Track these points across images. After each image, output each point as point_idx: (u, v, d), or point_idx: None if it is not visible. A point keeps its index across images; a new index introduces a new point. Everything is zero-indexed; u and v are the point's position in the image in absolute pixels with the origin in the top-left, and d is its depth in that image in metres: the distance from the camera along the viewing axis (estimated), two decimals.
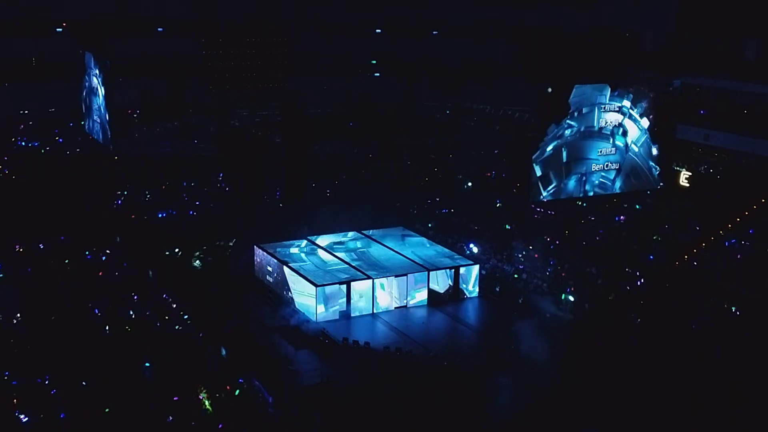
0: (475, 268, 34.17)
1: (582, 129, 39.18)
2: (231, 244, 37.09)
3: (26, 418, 23.12)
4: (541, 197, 38.83)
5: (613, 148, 39.78)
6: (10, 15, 49.67)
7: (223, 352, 27.82)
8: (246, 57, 50.02)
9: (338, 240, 36.88)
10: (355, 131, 53.42)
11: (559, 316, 31.29)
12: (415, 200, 43.64)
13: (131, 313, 30.00)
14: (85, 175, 45.06)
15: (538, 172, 38.47)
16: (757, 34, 46.02)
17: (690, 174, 43.85)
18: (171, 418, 23.34)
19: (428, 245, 36.48)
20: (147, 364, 25.85)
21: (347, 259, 34.45)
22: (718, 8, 47.35)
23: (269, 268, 34.44)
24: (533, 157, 38.19)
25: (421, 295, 33.32)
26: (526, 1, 57.08)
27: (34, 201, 40.56)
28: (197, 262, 36.04)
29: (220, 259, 36.27)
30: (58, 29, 50.40)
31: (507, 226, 39.75)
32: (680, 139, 42.64)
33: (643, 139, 40.43)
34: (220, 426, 23.32)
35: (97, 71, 45.07)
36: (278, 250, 34.99)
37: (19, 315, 29.45)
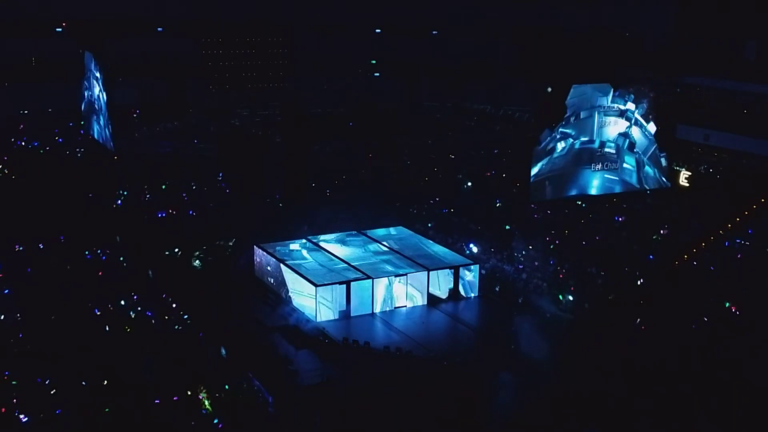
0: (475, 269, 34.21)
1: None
2: (231, 243, 37.09)
3: (26, 418, 23.12)
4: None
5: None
6: (10, 15, 49.64)
7: (223, 352, 27.83)
8: (246, 57, 50.03)
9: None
10: (355, 131, 53.43)
11: (559, 315, 31.30)
12: (415, 200, 43.63)
13: (131, 313, 30.00)
14: (85, 175, 45.06)
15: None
16: (757, 34, 46.05)
17: (690, 174, 43.86)
18: (171, 418, 23.34)
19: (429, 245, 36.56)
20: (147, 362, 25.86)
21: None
22: (718, 8, 47.36)
23: (269, 268, 34.45)
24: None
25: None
26: (526, 1, 57.09)
27: (34, 201, 40.55)
28: (197, 261, 36.03)
29: (220, 259, 36.27)
30: (57, 29, 50.38)
31: (507, 226, 39.73)
32: (680, 138, 42.64)
33: (652, 150, 39.66)
34: (220, 426, 23.33)
35: (97, 71, 45.05)
36: (278, 249, 35.00)
37: (18, 315, 29.44)
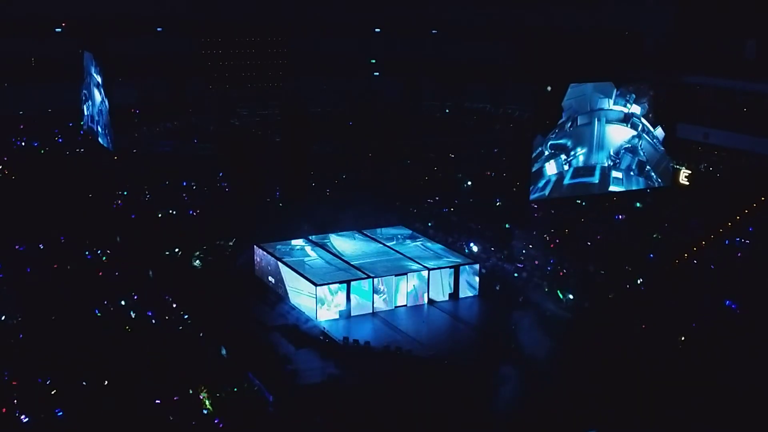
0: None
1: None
2: (231, 243, 37.09)
3: (27, 419, 23.12)
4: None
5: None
6: (9, 15, 49.67)
7: (224, 351, 27.82)
8: (246, 57, 50.05)
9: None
10: (355, 131, 53.43)
11: (559, 314, 31.29)
12: (415, 200, 43.63)
13: (132, 313, 30.00)
14: (85, 175, 45.06)
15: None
16: (757, 33, 46.06)
17: (690, 172, 43.87)
18: (171, 417, 23.34)
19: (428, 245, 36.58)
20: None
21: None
22: (718, 8, 47.36)
23: (269, 268, 34.44)
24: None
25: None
26: (526, 1, 57.08)
27: (34, 201, 40.54)
28: (197, 261, 36.03)
29: (220, 258, 36.27)
30: (57, 29, 50.41)
31: (507, 225, 39.72)
32: (680, 137, 42.65)
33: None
34: (221, 425, 23.33)
35: (97, 71, 45.06)
36: (278, 249, 35.00)
37: (19, 315, 29.43)
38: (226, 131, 51.84)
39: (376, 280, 32.39)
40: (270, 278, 34.40)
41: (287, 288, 33.06)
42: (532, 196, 37.80)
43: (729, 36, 47.18)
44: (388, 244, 36.30)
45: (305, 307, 31.81)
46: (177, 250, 36.41)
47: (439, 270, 33.54)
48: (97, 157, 47.22)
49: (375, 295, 32.29)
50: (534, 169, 37.02)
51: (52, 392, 24.36)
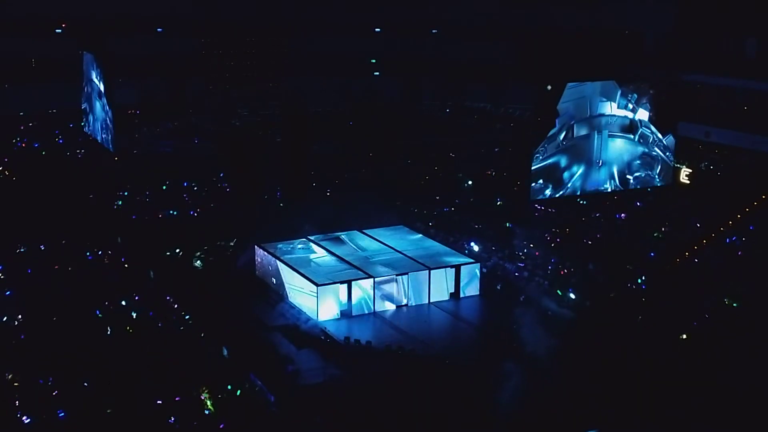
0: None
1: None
2: (232, 243, 37.10)
3: (28, 420, 23.14)
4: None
5: None
6: (9, 15, 49.70)
7: (225, 352, 27.84)
8: (246, 57, 50.07)
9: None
10: (355, 131, 53.43)
11: (560, 313, 31.30)
12: (415, 199, 43.64)
13: (133, 313, 30.01)
14: (86, 175, 45.07)
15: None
16: (758, 31, 46.06)
17: (691, 171, 43.87)
18: (173, 418, 23.36)
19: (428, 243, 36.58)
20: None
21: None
22: (718, 7, 47.38)
23: (270, 268, 34.45)
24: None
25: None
26: (526, 1, 57.10)
27: (35, 202, 40.56)
28: (198, 262, 36.05)
29: (221, 259, 36.29)
30: (57, 30, 50.41)
31: (508, 225, 39.73)
32: (681, 136, 42.64)
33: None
34: (222, 426, 23.34)
35: (98, 73, 45.06)
36: (279, 249, 35.01)
37: (20, 316, 29.45)
38: (226, 131, 51.85)
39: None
40: (271, 278, 34.41)
41: (288, 288, 33.07)
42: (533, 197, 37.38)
43: (729, 35, 47.19)
44: (388, 243, 36.30)
45: (306, 307, 31.82)
46: (178, 250, 36.42)
47: (439, 270, 33.56)
48: (97, 157, 47.22)
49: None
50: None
51: (54, 393, 24.37)
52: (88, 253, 35.32)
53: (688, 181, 43.60)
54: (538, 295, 32.60)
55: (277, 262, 33.93)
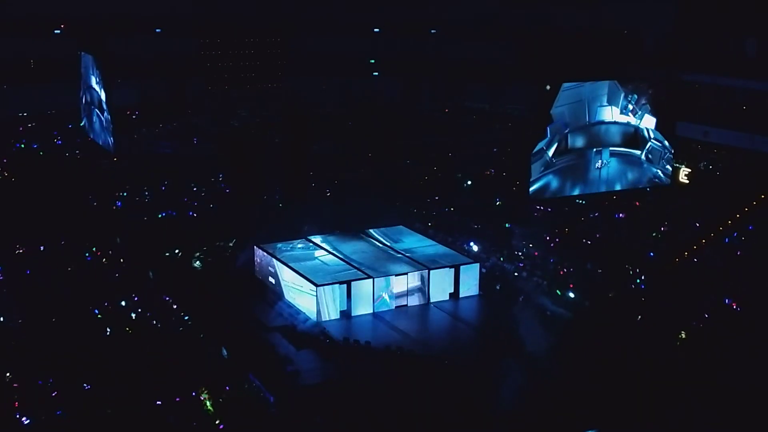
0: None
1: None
2: (231, 244, 37.11)
3: (27, 420, 23.13)
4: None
5: None
6: (9, 16, 49.67)
7: (224, 352, 27.84)
8: (246, 57, 50.04)
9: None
10: (355, 131, 53.41)
11: (559, 313, 31.30)
12: (415, 199, 43.64)
13: (132, 314, 30.01)
14: (85, 176, 45.05)
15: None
16: (757, 31, 46.01)
17: (689, 171, 43.82)
18: (173, 419, 23.36)
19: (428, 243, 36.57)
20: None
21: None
22: (718, 6, 47.33)
23: (270, 269, 34.45)
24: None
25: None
26: (526, 1, 57.06)
27: (34, 203, 40.54)
28: (197, 262, 36.06)
29: (220, 259, 36.29)
30: (56, 30, 50.38)
31: (507, 225, 39.72)
32: (680, 135, 42.57)
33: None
34: (221, 426, 23.34)
35: (98, 73, 45.01)
36: (278, 249, 35.01)
37: (19, 317, 29.46)
38: (226, 132, 51.84)
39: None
40: (270, 279, 34.42)
41: (288, 288, 33.08)
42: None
43: (729, 34, 47.13)
44: (388, 243, 36.31)
45: (305, 308, 31.82)
46: (177, 251, 36.42)
47: (439, 269, 33.56)
48: (96, 158, 47.20)
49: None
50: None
51: (53, 394, 24.37)
52: (87, 254, 35.30)
53: (687, 181, 43.56)
54: (538, 295, 32.61)
55: (276, 262, 33.93)
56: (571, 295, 32.40)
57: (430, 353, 28.24)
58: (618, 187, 34.20)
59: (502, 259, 36.40)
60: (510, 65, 56.81)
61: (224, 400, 24.56)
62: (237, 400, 24.76)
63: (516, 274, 35.04)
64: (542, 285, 33.62)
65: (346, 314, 31.85)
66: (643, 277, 33.87)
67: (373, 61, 58.17)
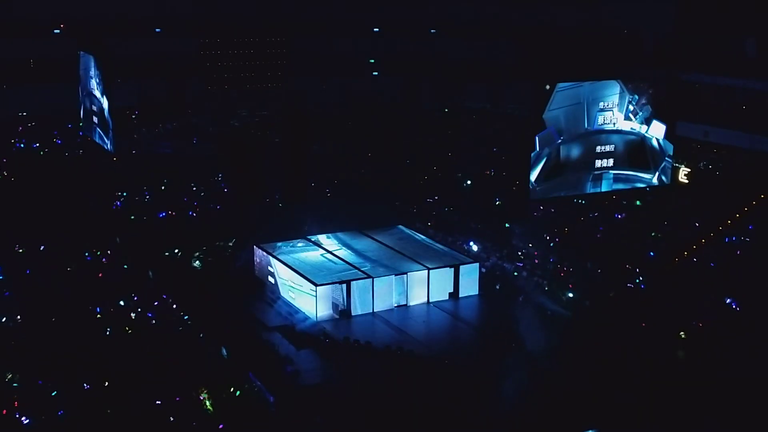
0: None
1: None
2: (231, 244, 37.12)
3: (27, 420, 23.13)
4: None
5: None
6: (8, 16, 49.65)
7: (224, 352, 27.84)
8: (246, 57, 49.99)
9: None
10: (355, 131, 53.40)
11: (559, 313, 31.31)
12: (415, 199, 43.64)
13: (132, 314, 30.01)
14: (85, 176, 45.05)
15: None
16: (757, 31, 46.00)
17: (689, 170, 43.80)
18: (172, 419, 23.36)
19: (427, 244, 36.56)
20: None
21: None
22: (718, 6, 47.32)
23: (269, 268, 34.46)
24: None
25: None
26: (526, 1, 57.04)
27: (34, 203, 40.55)
28: (197, 262, 36.06)
29: (220, 259, 36.29)
30: (56, 30, 50.35)
31: (507, 225, 39.73)
32: (680, 135, 42.53)
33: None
34: (221, 426, 23.35)
35: (98, 74, 44.97)
36: (278, 249, 35.02)
37: (19, 317, 29.45)
38: (226, 132, 51.82)
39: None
40: (269, 278, 34.43)
41: (287, 288, 33.08)
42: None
43: (729, 34, 47.11)
44: (387, 243, 36.31)
45: (305, 308, 31.83)
46: (177, 250, 36.43)
47: (439, 269, 33.56)
48: (96, 158, 47.20)
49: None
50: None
51: (53, 393, 24.37)
52: (87, 254, 35.30)
53: (686, 181, 43.54)
54: (538, 294, 32.62)
55: (276, 262, 33.94)
56: (571, 295, 32.40)
57: (430, 353, 28.25)
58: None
59: (502, 258, 36.42)
60: (510, 65, 56.80)
61: (224, 399, 24.56)
62: (237, 400, 24.76)
63: (516, 274, 35.04)
64: (542, 285, 33.63)
65: (346, 314, 31.86)
66: (643, 277, 33.87)
67: (373, 61, 58.12)
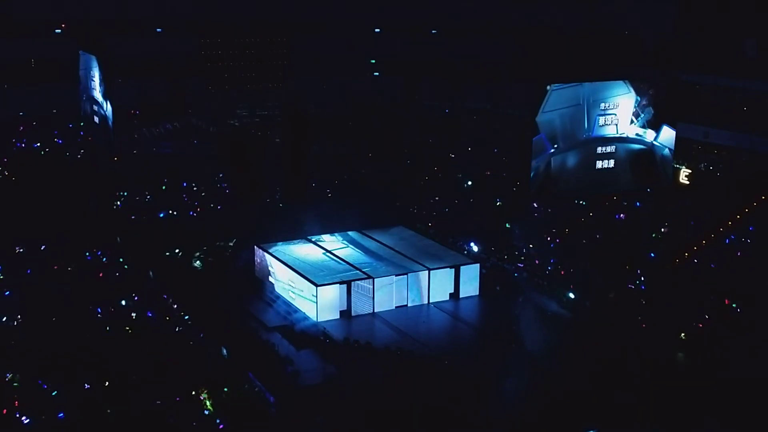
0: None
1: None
2: (231, 244, 37.11)
3: (27, 420, 23.13)
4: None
5: None
6: (8, 16, 49.64)
7: (224, 352, 27.84)
8: (246, 57, 49.98)
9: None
10: (355, 131, 53.38)
11: (559, 314, 31.31)
12: (415, 199, 43.64)
13: (132, 314, 30.01)
14: (85, 176, 45.05)
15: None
16: (758, 31, 45.99)
17: (690, 171, 43.79)
18: (172, 419, 23.36)
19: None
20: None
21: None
22: (718, 7, 47.32)
23: (270, 269, 34.46)
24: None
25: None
26: (526, 1, 57.03)
27: (34, 203, 40.54)
28: (197, 262, 36.07)
29: (220, 259, 36.30)
30: (57, 30, 50.34)
31: (507, 225, 39.73)
32: (680, 136, 42.52)
33: None
34: (221, 426, 23.34)
35: (99, 74, 44.97)
36: (278, 249, 35.01)
37: (19, 317, 29.45)
38: (226, 132, 51.81)
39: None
40: (270, 279, 34.43)
41: (287, 288, 33.08)
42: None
43: (729, 34, 47.10)
44: (387, 244, 36.30)
45: (305, 308, 31.83)
46: (177, 250, 36.43)
47: (439, 270, 33.56)
48: (97, 158, 47.20)
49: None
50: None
51: (53, 393, 24.37)
52: (87, 254, 35.30)
53: (687, 182, 43.55)
54: (538, 295, 32.62)
55: (276, 262, 33.94)
56: (571, 295, 32.40)
57: (430, 353, 28.25)
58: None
59: (503, 257, 36.42)
60: (510, 65, 56.77)
61: (224, 399, 24.56)
62: (237, 400, 24.76)
63: (516, 274, 35.03)
64: (542, 285, 33.63)
65: (346, 314, 31.86)
66: (643, 278, 33.87)
67: (373, 61, 58.10)
